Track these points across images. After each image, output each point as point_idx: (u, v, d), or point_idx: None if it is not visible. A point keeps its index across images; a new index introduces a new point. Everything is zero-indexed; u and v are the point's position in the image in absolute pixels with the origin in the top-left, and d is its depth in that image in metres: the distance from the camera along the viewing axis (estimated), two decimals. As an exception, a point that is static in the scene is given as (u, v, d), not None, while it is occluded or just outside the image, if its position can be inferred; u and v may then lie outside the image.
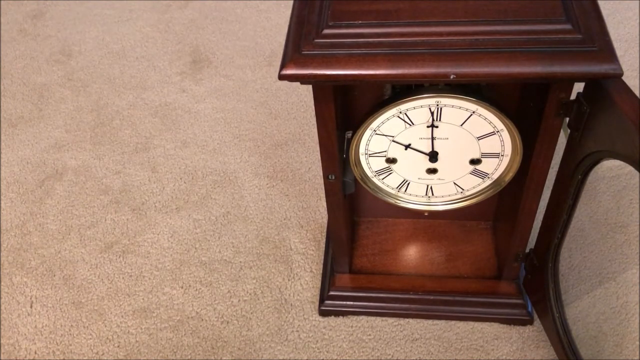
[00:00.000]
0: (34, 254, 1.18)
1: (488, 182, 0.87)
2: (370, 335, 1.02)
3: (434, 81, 0.72)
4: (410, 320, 1.03)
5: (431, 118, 0.78)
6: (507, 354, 0.98)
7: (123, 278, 1.13)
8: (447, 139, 0.81)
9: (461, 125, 0.78)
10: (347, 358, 1.00)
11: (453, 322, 1.03)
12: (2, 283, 1.13)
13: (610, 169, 1.21)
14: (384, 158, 0.85)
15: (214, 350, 1.02)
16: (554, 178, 0.81)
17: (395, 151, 0.83)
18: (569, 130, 0.72)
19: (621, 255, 1.08)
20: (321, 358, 1.00)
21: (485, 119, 0.77)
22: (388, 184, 0.89)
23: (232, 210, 1.22)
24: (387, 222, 1.11)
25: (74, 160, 1.34)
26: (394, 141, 0.82)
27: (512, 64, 0.63)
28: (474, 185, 0.88)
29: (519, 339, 1.00)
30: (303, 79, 0.67)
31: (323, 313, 1.04)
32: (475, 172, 0.86)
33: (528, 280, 0.99)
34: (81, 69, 1.56)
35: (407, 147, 0.82)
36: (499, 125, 0.78)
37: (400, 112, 0.77)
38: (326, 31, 0.67)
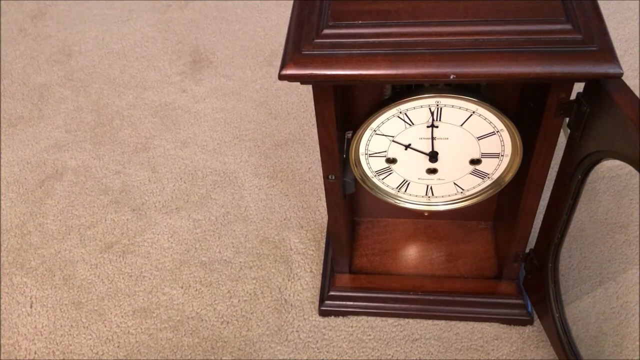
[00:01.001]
0: (34, 254, 1.18)
1: (488, 182, 0.87)
2: (370, 335, 1.02)
3: (434, 81, 0.72)
4: (410, 320, 1.03)
5: (431, 118, 0.78)
6: (507, 354, 0.98)
7: (123, 278, 1.13)
8: (447, 139, 0.81)
9: (461, 125, 0.78)
10: (347, 358, 1.00)
11: (453, 322, 1.03)
12: (2, 283, 1.13)
13: (610, 169, 1.21)
14: (384, 158, 0.85)
15: (214, 350, 1.02)
16: (554, 178, 0.81)
17: (395, 151, 0.83)
18: (569, 130, 0.72)
19: (621, 255, 1.08)
20: (321, 358, 1.00)
21: (485, 119, 0.77)
22: (388, 184, 0.89)
23: (232, 210, 1.22)
24: (387, 222, 1.11)
25: (74, 160, 1.34)
26: (394, 141, 0.82)
27: (512, 64, 0.63)
28: (474, 185, 0.88)
29: (519, 339, 1.00)
30: (303, 79, 0.67)
31: (323, 313, 1.04)
32: (475, 172, 0.86)
33: (528, 280, 0.99)
34: (81, 69, 1.56)
35: (407, 147, 0.82)
36: (499, 125, 0.78)
37: (400, 112, 0.77)
38: (326, 31, 0.67)
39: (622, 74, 0.62)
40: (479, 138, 0.80)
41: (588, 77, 0.64)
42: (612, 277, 1.05)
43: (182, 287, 1.11)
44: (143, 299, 1.09)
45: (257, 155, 1.32)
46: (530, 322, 1.00)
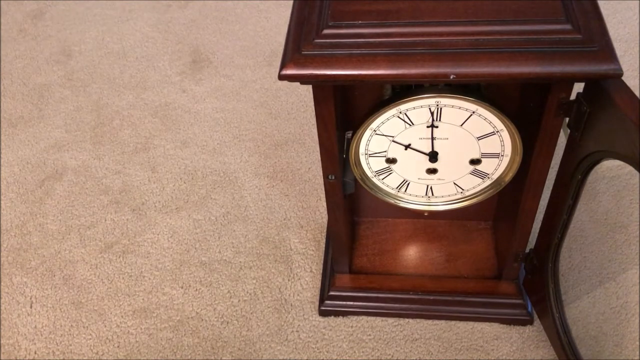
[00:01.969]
0: (34, 254, 1.18)
1: (488, 182, 0.87)
2: (370, 335, 1.02)
3: (434, 81, 0.72)
4: (410, 320, 1.03)
5: (431, 118, 0.78)
6: (507, 354, 0.98)
7: (123, 278, 1.13)
8: (447, 139, 0.81)
9: (461, 125, 0.78)
10: (347, 358, 1.00)
11: (453, 322, 1.03)
12: (2, 283, 1.13)
13: (610, 169, 1.21)
14: (384, 158, 0.85)
15: (214, 350, 1.02)
16: (554, 178, 0.81)
17: (395, 151, 0.83)
18: (569, 130, 0.72)
19: (621, 255, 1.08)
20: (321, 358, 1.00)
21: (485, 119, 0.77)
22: (388, 184, 0.89)
23: (232, 210, 1.22)
24: (387, 222, 1.11)
25: (74, 160, 1.34)
26: (394, 141, 0.82)
27: (512, 64, 0.63)
28: (474, 185, 0.88)
29: (519, 339, 1.00)
30: (303, 79, 0.67)
31: (323, 313, 1.04)
32: (475, 172, 0.86)
33: (528, 280, 0.99)
34: (81, 69, 1.56)
35: (407, 147, 0.82)
36: (499, 125, 0.78)
37: (400, 112, 0.77)
38: (326, 31, 0.67)
39: (622, 74, 0.62)
40: (479, 138, 0.80)
41: (588, 77, 0.64)
42: (612, 277, 1.05)
43: (182, 287, 1.11)
44: (143, 299, 1.09)
45: (257, 155, 1.32)
46: (530, 322, 1.00)
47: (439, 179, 0.88)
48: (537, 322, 1.01)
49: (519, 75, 0.63)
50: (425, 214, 0.99)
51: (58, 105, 1.47)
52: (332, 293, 1.04)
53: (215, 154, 1.33)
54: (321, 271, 1.10)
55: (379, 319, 1.04)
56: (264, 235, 1.18)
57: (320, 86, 0.71)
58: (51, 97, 1.49)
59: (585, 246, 1.10)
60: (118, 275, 1.13)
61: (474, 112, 0.76)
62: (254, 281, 1.11)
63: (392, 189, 0.90)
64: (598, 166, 0.73)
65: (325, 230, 1.17)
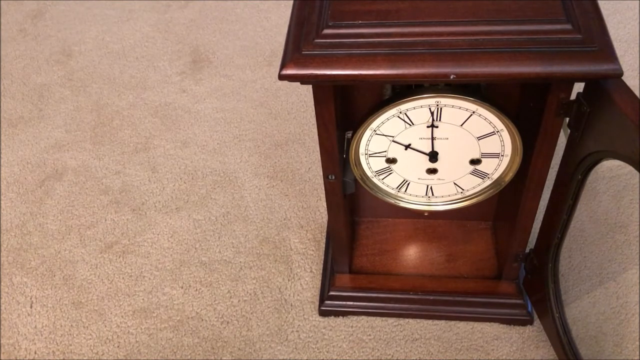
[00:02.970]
0: (34, 254, 1.18)
1: (488, 182, 0.87)
2: (370, 335, 1.02)
3: (434, 81, 0.72)
4: (410, 320, 1.03)
5: (431, 118, 0.78)
6: (507, 354, 0.98)
7: (123, 278, 1.13)
8: (447, 139, 0.81)
9: (461, 125, 0.78)
10: (347, 358, 1.00)
11: (453, 322, 1.03)
12: (2, 283, 1.13)
13: (610, 169, 1.21)
14: (384, 158, 0.85)
15: (214, 350, 1.02)
16: (554, 178, 0.81)
17: (395, 151, 0.83)
18: (569, 130, 0.72)
19: (621, 255, 1.08)
20: (321, 358, 1.00)
21: (485, 119, 0.77)
22: (388, 184, 0.89)
23: (232, 210, 1.22)
24: (387, 222, 1.11)
25: (74, 160, 1.34)
26: (394, 141, 0.82)
27: (512, 64, 0.63)
28: (474, 185, 0.88)
29: (519, 339, 1.00)
30: (303, 79, 0.67)
31: (323, 313, 1.04)
32: (475, 172, 0.86)
33: (528, 280, 0.99)
34: (81, 69, 1.56)
35: (407, 147, 0.82)
36: (499, 125, 0.78)
37: (400, 112, 0.77)
38: (326, 31, 0.67)
39: (622, 74, 0.62)
40: (479, 138, 0.80)
41: (588, 77, 0.64)
42: (612, 277, 1.05)
43: (182, 287, 1.11)
44: (143, 299, 1.09)
45: (257, 155, 1.32)
46: (530, 322, 1.00)
47: (439, 179, 0.88)
48: (537, 322, 1.01)
49: (519, 75, 0.63)
50: (425, 214, 0.99)
51: (58, 105, 1.47)
52: (332, 293, 1.04)
53: (215, 154, 1.33)
54: (321, 271, 1.10)
55: (379, 319, 1.04)
56: (264, 235, 1.18)
57: (320, 86, 0.71)
58: (51, 97, 1.49)
59: (585, 246, 1.10)
60: (118, 275, 1.13)
61: (474, 112, 0.76)
62: (254, 281, 1.11)
63: (392, 189, 0.90)
64: (598, 166, 0.73)
65: (325, 230, 1.17)
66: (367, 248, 1.08)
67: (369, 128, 0.80)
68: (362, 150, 0.83)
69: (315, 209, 1.21)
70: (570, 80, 0.66)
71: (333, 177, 0.84)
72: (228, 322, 1.05)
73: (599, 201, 1.16)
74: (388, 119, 0.78)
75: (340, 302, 1.03)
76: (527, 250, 0.94)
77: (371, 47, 0.65)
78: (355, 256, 1.07)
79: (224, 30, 1.63)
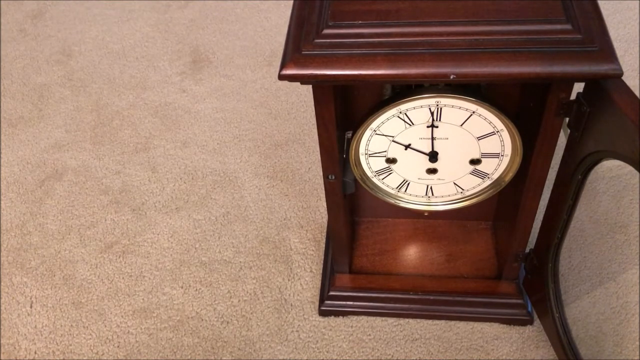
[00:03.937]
0: (34, 254, 1.18)
1: (488, 182, 0.87)
2: (370, 335, 1.02)
3: (434, 81, 0.72)
4: (410, 320, 1.03)
5: (431, 118, 0.78)
6: (507, 354, 0.98)
7: (123, 278, 1.13)
8: (447, 139, 0.81)
9: (461, 125, 0.78)
10: (347, 358, 1.00)
11: (453, 322, 1.03)
12: (2, 283, 1.13)
13: (610, 169, 1.21)
14: (384, 158, 0.85)
15: (214, 350, 1.02)
16: (554, 178, 0.81)
17: (395, 151, 0.83)
18: (569, 130, 0.72)
19: (621, 255, 1.08)
20: (321, 358, 1.00)
21: (485, 119, 0.77)
22: (388, 184, 0.89)
23: (232, 210, 1.22)
24: (387, 222, 1.11)
25: (74, 160, 1.34)
26: (394, 141, 0.82)
27: (512, 64, 0.63)
28: (474, 185, 0.88)
29: (519, 339, 1.00)
30: (303, 79, 0.67)
31: (323, 313, 1.04)
32: (475, 172, 0.86)
33: (528, 280, 0.99)
34: (81, 69, 1.56)
35: (407, 147, 0.82)
36: (499, 125, 0.78)
37: (400, 112, 0.77)
38: (326, 31, 0.67)
39: (622, 74, 0.62)
40: (479, 138, 0.80)
41: (588, 77, 0.64)
42: (612, 277, 1.05)
43: (182, 287, 1.11)
44: (143, 299, 1.09)
45: (257, 155, 1.32)
46: (530, 322, 1.00)
47: (439, 179, 0.88)
48: (537, 322, 1.01)
49: (519, 75, 0.63)
50: (425, 214, 0.99)
51: (58, 105, 1.47)
52: (332, 293, 1.04)
53: (215, 154, 1.33)
54: (321, 271, 1.10)
55: (379, 319, 1.04)
56: (264, 235, 1.18)
57: (320, 86, 0.71)
58: (51, 97, 1.49)
59: (585, 246, 1.10)
60: (118, 275, 1.13)
61: (474, 112, 0.76)
62: (254, 281, 1.11)
63: (392, 189, 0.90)
64: (598, 166, 0.73)
65: (325, 230, 1.17)
66: (367, 248, 1.08)
67: (369, 128, 0.80)
68: (362, 150, 0.83)
69: (315, 209, 1.21)
70: (570, 80, 0.66)
71: (333, 177, 0.84)
72: (228, 322, 1.05)
73: (599, 201, 1.16)
74: (388, 119, 0.78)
75: (340, 302, 1.03)
76: (527, 250, 0.94)
77: (371, 47, 0.65)
78: (355, 256, 1.07)
79: (224, 30, 1.63)
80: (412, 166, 0.86)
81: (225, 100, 1.44)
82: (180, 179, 1.29)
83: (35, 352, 1.04)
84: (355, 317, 1.04)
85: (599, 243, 1.10)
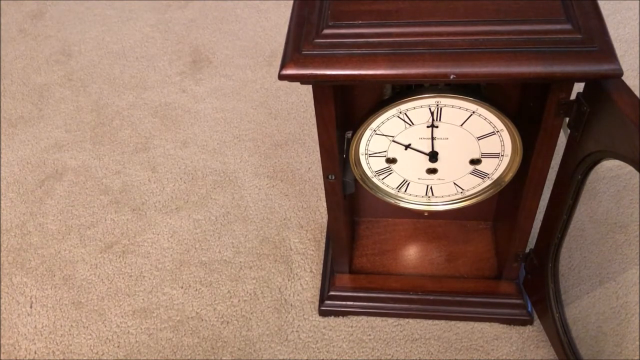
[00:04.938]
0: (34, 254, 1.18)
1: (488, 182, 0.87)
2: (370, 335, 1.02)
3: (434, 81, 0.72)
4: (410, 320, 1.03)
5: (431, 118, 0.78)
6: (507, 354, 0.98)
7: (123, 278, 1.13)
8: (447, 139, 0.81)
9: (461, 125, 0.78)
10: (347, 358, 1.00)
11: (453, 322, 1.03)
12: (2, 283, 1.13)
13: (610, 169, 1.21)
14: (384, 158, 0.85)
15: (214, 350, 1.02)
16: (554, 178, 0.81)
17: (395, 151, 0.83)
18: (569, 130, 0.72)
19: (621, 255, 1.08)
20: (321, 358, 1.00)
21: (485, 119, 0.77)
22: (388, 184, 0.89)
23: (232, 210, 1.22)
24: (387, 222, 1.11)
25: (74, 160, 1.34)
26: (394, 141, 0.82)
27: (512, 64, 0.63)
28: (474, 185, 0.88)
29: (519, 339, 1.00)
30: (303, 79, 0.67)
31: (323, 313, 1.04)
32: (475, 172, 0.86)
33: (528, 280, 0.99)
34: (81, 69, 1.56)
35: (407, 147, 0.82)
36: (499, 125, 0.78)
37: (400, 112, 0.77)
38: (326, 31, 0.67)
39: (622, 74, 0.62)
40: (479, 138, 0.80)
41: (588, 77, 0.64)
42: (612, 277, 1.05)
43: (182, 287, 1.11)
44: (143, 299, 1.09)
45: (257, 155, 1.32)
46: (530, 322, 1.00)
47: (439, 179, 0.88)
48: (537, 322, 1.01)
49: (519, 75, 0.63)
50: (425, 214, 0.99)
51: (58, 105, 1.47)
52: (332, 293, 1.04)
53: (215, 154, 1.33)
54: (321, 271, 1.10)
55: (379, 319, 1.04)
56: (264, 235, 1.18)
57: (320, 86, 0.71)
58: (51, 97, 1.49)
59: (585, 246, 1.10)
60: (118, 275, 1.13)
61: (474, 112, 0.76)
62: (254, 281, 1.11)
63: (392, 189, 0.90)
64: (598, 166, 0.73)
65: (325, 230, 1.17)
66: (367, 248, 1.08)
67: (369, 128, 0.80)
68: (362, 150, 0.83)
69: (315, 209, 1.21)
70: (570, 80, 0.66)
71: (333, 177, 0.84)
72: (228, 322, 1.05)
73: (599, 201, 1.16)
74: (388, 119, 0.78)
75: (340, 302, 1.03)
76: (527, 250, 0.94)
77: (371, 47, 0.65)
78: (355, 256, 1.07)
79: (224, 30, 1.63)
80: (412, 166, 0.86)
81: (225, 100, 1.44)
82: (180, 179, 1.29)
83: (35, 352, 1.04)
84: (355, 317, 1.04)
85: (599, 243, 1.10)
